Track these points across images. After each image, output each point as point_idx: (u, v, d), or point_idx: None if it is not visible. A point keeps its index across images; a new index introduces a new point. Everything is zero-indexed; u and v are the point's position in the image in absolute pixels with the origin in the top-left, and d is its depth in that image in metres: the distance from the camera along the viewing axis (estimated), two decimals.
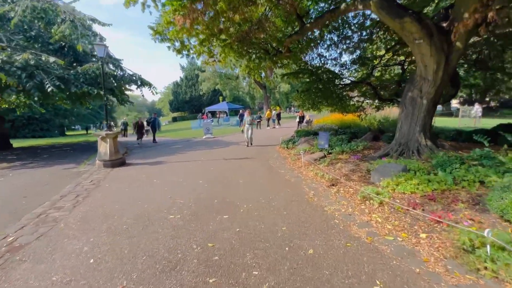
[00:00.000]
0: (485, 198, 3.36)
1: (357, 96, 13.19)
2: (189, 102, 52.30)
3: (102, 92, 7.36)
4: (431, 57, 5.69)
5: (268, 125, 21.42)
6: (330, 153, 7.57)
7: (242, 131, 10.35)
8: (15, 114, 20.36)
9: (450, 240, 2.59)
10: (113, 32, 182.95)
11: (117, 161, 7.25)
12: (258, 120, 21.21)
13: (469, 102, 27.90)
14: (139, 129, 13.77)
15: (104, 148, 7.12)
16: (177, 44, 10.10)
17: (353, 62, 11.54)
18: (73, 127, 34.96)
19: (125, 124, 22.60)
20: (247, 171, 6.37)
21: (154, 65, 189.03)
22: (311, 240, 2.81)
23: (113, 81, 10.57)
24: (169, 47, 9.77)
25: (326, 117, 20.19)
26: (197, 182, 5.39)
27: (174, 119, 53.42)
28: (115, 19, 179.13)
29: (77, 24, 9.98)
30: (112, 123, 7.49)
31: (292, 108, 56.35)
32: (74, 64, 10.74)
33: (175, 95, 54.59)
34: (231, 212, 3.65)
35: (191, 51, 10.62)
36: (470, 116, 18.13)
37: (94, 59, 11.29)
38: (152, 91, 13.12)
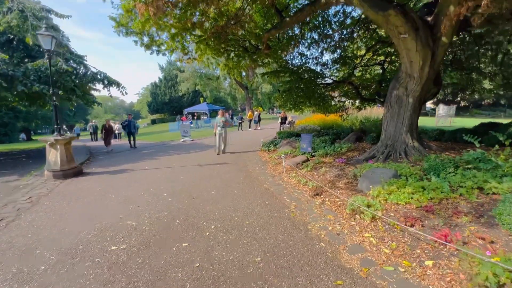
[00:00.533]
0: (491, 209, 2.91)
1: (338, 96, 12.92)
2: (168, 103, 50.40)
3: (51, 91, 6.29)
4: (417, 53, 5.31)
5: (250, 127, 20.77)
6: (313, 156, 7.04)
7: (215, 134, 9.33)
8: None
9: (464, 272, 2.05)
10: (88, 31, 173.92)
11: (71, 171, 6.21)
12: (240, 122, 20.52)
13: (442, 101, 29.08)
14: (107, 134, 11.80)
15: (53, 156, 6.06)
16: (146, 39, 9.18)
17: (335, 61, 11.19)
18: (40, 131, 32.14)
19: (95, 128, 20.99)
20: (222, 179, 5.65)
21: (129, 66, 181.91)
22: (292, 278, 2.16)
23: (73, 80, 9.38)
24: (136, 42, 8.83)
25: (309, 118, 19.92)
26: (161, 196, 4.58)
27: (153, 122, 51.24)
28: (89, 17, 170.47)
29: (28, 14, 8.74)
30: (64, 127, 6.40)
31: (275, 109, 56.21)
32: (26, 60, 9.44)
33: (154, 96, 52.41)
34: (193, 237, 2.92)
35: (163, 48, 9.75)
36: (446, 116, 18.68)
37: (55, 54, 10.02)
38: (121, 91, 12.01)
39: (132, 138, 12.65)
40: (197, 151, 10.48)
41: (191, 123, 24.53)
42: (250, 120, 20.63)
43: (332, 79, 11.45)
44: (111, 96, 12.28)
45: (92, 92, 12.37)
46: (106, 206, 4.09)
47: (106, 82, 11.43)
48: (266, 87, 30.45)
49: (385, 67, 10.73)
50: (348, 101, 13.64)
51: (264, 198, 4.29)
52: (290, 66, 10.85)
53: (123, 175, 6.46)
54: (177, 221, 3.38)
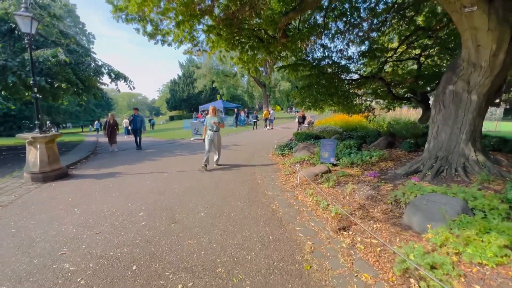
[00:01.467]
0: None
1: (365, 94, 11.36)
2: (186, 100, 50.57)
3: (32, 82, 5.54)
4: (489, 32, 3.82)
5: (265, 126, 19.59)
6: (336, 165, 5.73)
7: (203, 140, 6.91)
8: None
9: None
10: (115, 30, 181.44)
11: (52, 174, 5.44)
12: (255, 120, 19.43)
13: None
14: (111, 130, 10.08)
15: (33, 156, 5.32)
16: (150, 27, 8.29)
17: (362, 55, 9.66)
18: (64, 125, 33.25)
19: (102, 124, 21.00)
20: (221, 193, 4.55)
21: (155, 64, 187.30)
22: None
23: (76, 72, 8.77)
24: (137, 30, 7.96)
25: (329, 118, 18.34)
26: (135, 216, 3.57)
27: (171, 118, 51.71)
28: None
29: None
30: (48, 123, 5.67)
31: (293, 108, 54.46)
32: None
33: (172, 93, 52.88)
34: None
35: (169, 38, 8.84)
36: (491, 119, 16.23)
37: (57, 45, 9.49)
38: (129, 85, 11.36)
39: (138, 137, 10.98)
40: (203, 152, 9.49)
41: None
42: (266, 119, 19.45)
43: (359, 74, 9.95)
44: (118, 90, 11.68)
45: (102, 86, 11.86)
46: (57, 230, 3.13)
47: (112, 76, 10.81)
48: (284, 84, 29.05)
49: (421, 61, 9.18)
50: (375, 100, 12.03)
51: (269, 228, 3.12)
52: (310, 59, 9.54)
53: (110, 180, 5.59)
54: (134, 267, 2.30)
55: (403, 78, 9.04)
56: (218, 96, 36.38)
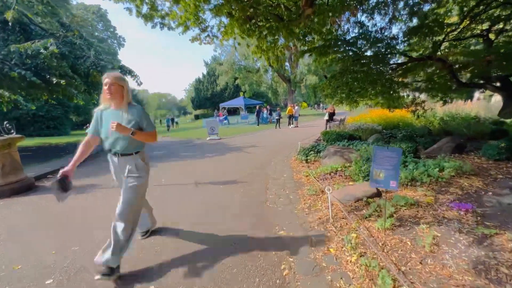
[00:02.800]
0: None
1: (414, 82, 9.02)
2: (210, 98, 50.24)
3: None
4: None
5: (289, 124, 17.72)
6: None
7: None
8: (19, 111, 19.43)
9: None
10: (146, 32, 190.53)
11: (7, 188, 4.33)
12: (277, 118, 17.67)
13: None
14: None
15: None
16: (145, 7, 7.03)
17: (410, 32, 7.41)
18: None
19: None
20: (212, 226, 3.00)
21: (185, 65, 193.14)
22: None
23: (72, 65, 7.86)
24: (129, 10, 6.70)
25: (364, 113, 15.89)
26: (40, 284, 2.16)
27: (196, 117, 51.87)
28: None
29: None
30: (7, 124, 4.64)
31: (321, 105, 51.21)
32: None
33: (197, 91, 53.00)
34: None
35: (172, 24, 7.59)
36: None
37: (55, 37, 8.68)
38: (136, 81, 10.36)
39: None
40: (213, 156, 8.05)
41: (225, 118, 22.63)
42: (290, 117, 17.55)
43: (408, 55, 7.72)
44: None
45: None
46: None
47: (118, 70, 9.84)
48: (311, 78, 26.74)
49: (492, 38, 6.86)
50: (424, 91, 9.63)
51: None
52: (343, 38, 7.56)
53: (79, 197, 4.35)
54: None
55: (476, 58, 6.65)
56: (241, 94, 35.12)
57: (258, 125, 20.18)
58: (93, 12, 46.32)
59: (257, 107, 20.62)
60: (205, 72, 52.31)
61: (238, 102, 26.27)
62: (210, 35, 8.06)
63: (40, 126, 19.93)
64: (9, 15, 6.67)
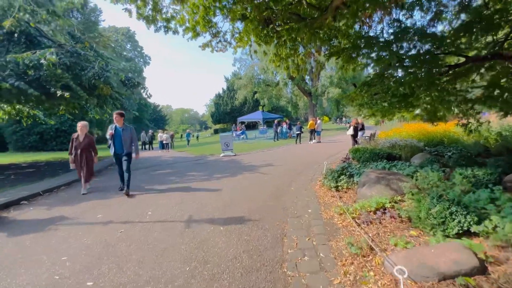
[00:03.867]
0: None
1: (473, 87, 7.37)
2: (230, 113, 50.29)
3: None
4: None
5: (310, 139, 16.25)
6: (475, 234, 2.37)
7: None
8: (43, 126, 20.02)
9: None
10: (178, 53, 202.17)
11: None
12: (298, 133, 16.32)
13: None
14: (82, 153, 5.58)
15: None
16: (148, 9, 6.35)
17: (464, 27, 5.91)
18: None
19: (150, 137, 20.65)
20: None
21: (208, 80, 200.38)
22: None
23: (73, 77, 7.31)
24: (129, 12, 6.00)
25: (397, 128, 14.04)
26: None
27: (216, 131, 52.01)
28: (179, 42, 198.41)
29: None
30: None
31: (343, 119, 48.91)
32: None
33: (217, 106, 53.53)
34: None
35: (180, 29, 6.86)
36: None
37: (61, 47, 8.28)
38: (145, 93, 9.75)
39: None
40: (222, 177, 6.88)
41: (243, 133, 21.68)
42: (312, 131, 16.11)
43: (464, 55, 6.17)
44: (135, 98, 10.16)
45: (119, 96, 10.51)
46: None
47: (127, 82, 9.29)
48: (333, 91, 25.27)
49: None
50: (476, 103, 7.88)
51: None
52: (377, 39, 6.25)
53: (38, 235, 3.35)
54: None
55: None
56: (260, 108, 34.37)
57: (275, 140, 18.91)
58: (122, 34, 49.50)
59: (275, 121, 19.43)
60: (225, 87, 52.92)
61: (256, 116, 25.38)
62: (222, 41, 7.18)
63: (62, 141, 20.34)
64: (7, 24, 6.29)
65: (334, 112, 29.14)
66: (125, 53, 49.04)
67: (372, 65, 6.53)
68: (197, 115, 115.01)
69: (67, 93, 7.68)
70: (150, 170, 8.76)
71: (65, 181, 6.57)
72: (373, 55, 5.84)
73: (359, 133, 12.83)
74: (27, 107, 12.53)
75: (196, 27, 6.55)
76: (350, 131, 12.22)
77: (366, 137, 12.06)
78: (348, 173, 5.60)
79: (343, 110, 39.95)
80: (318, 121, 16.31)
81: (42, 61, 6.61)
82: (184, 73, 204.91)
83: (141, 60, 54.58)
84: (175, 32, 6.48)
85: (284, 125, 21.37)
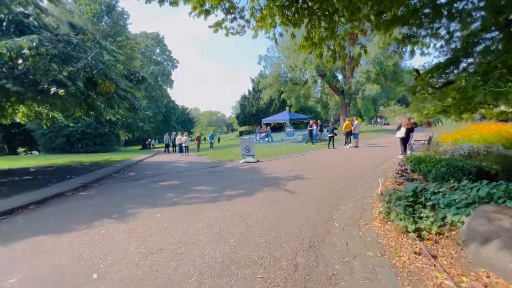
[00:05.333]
0: None
1: None
2: (255, 114, 48.87)
3: None
4: None
5: (346, 143, 13.86)
6: None
7: None
8: (69, 129, 20.25)
9: None
10: (207, 59, 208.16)
11: None
12: (331, 135, 14.06)
13: None
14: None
15: None
16: None
17: None
18: (148, 141, 35.22)
19: (173, 139, 19.79)
20: None
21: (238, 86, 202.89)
22: None
23: (60, 69, 6.14)
24: None
25: (463, 130, 11.12)
26: None
27: (241, 133, 50.95)
28: (209, 49, 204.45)
29: None
30: None
31: (378, 119, 44.51)
32: None
33: (242, 108, 52.54)
34: None
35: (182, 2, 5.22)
36: None
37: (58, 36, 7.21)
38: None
39: None
40: (234, 197, 5.14)
41: (267, 135, 19.86)
42: (348, 134, 13.72)
43: None
44: (143, 97, 8.95)
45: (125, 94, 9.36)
46: None
47: (132, 78, 8.05)
48: (371, 88, 22.30)
49: None
50: None
51: None
52: None
53: None
54: None
55: None
56: (287, 108, 32.26)
57: (307, 143, 16.72)
58: (152, 38, 50.95)
59: (310, 122, 17.16)
60: (250, 88, 51.70)
61: (282, 117, 23.38)
62: (238, 19, 5.53)
63: (88, 143, 20.44)
64: None
65: (370, 112, 25.98)
66: (154, 57, 50.39)
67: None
68: (224, 118, 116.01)
69: (62, 90, 6.55)
70: (152, 181, 7.36)
71: (41, 197, 5.33)
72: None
73: (411, 139, 10.19)
74: (46, 108, 12.11)
75: (206, 4, 5.01)
76: (401, 133, 9.72)
77: (423, 142, 9.46)
78: (429, 202, 3.48)
79: (378, 110, 36.12)
80: (356, 122, 13.84)
81: (25, 51, 5.46)
82: (215, 76, 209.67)
83: (170, 63, 55.74)
84: (173, 2, 4.90)
85: (314, 127, 19.08)
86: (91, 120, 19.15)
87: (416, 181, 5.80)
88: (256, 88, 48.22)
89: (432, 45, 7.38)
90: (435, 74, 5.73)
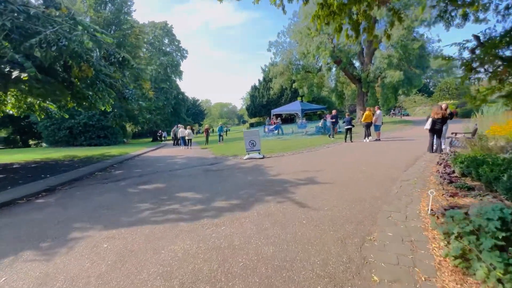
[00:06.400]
0: None
1: None
2: (266, 106, 47.10)
3: None
4: None
5: (365, 136, 12.14)
6: None
7: None
8: (72, 121, 19.59)
9: None
10: (218, 50, 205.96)
11: None
12: (348, 127, 12.41)
13: None
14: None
15: None
16: None
17: None
18: (159, 134, 34.43)
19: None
20: None
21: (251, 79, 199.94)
22: None
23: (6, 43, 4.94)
24: None
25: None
26: None
27: (251, 125, 49.50)
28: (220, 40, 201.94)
29: None
30: None
31: (397, 110, 41.50)
32: None
33: (252, 99, 50.88)
34: None
35: None
36: None
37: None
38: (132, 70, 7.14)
39: None
40: (224, 212, 3.81)
41: (277, 127, 18.34)
42: (368, 126, 11.98)
43: None
44: (129, 84, 7.70)
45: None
46: None
47: (112, 60, 6.79)
48: (393, 74, 20.05)
49: None
50: None
51: None
52: None
53: None
54: None
55: None
56: (299, 98, 30.35)
57: (330, 136, 14.74)
58: (160, 28, 49.73)
59: (333, 112, 15.10)
60: (261, 79, 49.78)
61: (294, 107, 21.66)
62: None
63: (91, 136, 19.76)
64: None
65: (390, 102, 23.60)
66: (163, 48, 49.33)
67: None
68: (235, 109, 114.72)
69: (25, 75, 5.37)
70: (135, 183, 6.16)
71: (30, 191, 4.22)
72: None
73: (443, 128, 8.19)
74: (37, 99, 11.21)
75: None
76: (428, 125, 7.88)
77: (467, 135, 7.67)
78: None
79: (397, 100, 33.40)
80: (378, 112, 12.03)
81: None
82: (226, 68, 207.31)
83: (178, 54, 54.51)
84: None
85: (328, 118, 17.34)
86: (94, 112, 18.32)
87: (474, 190, 4.23)
88: (266, 78, 46.18)
89: (493, 7, 5.58)
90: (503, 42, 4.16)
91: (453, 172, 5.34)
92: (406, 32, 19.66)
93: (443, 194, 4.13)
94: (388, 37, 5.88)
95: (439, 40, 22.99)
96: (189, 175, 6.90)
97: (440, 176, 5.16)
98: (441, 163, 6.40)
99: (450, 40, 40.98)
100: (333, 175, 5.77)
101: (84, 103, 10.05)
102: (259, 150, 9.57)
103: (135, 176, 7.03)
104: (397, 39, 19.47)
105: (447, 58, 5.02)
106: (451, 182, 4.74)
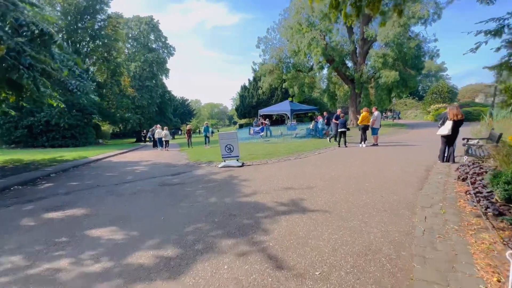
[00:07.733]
0: None
1: None
2: (255, 106, 45.44)
3: None
4: None
5: (361, 141, 10.65)
6: None
7: None
8: (31, 119, 17.28)
9: None
10: (211, 51, 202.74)
11: None
12: (341, 130, 10.92)
13: None
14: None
15: None
16: None
17: None
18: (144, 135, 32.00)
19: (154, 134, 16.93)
20: None
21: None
22: None
23: None
24: None
25: None
26: None
27: (241, 126, 47.72)
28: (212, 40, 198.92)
29: None
30: None
31: (394, 112, 40.37)
32: None
33: (242, 99, 49.15)
34: None
35: None
36: None
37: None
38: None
39: None
40: (140, 284, 2.11)
41: (262, 129, 16.71)
42: (364, 129, 10.50)
43: None
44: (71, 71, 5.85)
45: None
46: None
47: (25, 30, 4.96)
48: (388, 74, 18.83)
49: None
50: None
51: None
52: None
53: None
54: None
55: None
56: (290, 99, 28.82)
57: (331, 140, 12.88)
58: (146, 23, 47.30)
59: (338, 111, 12.96)
60: (251, 78, 48.14)
61: (283, 107, 20.09)
62: None
63: (55, 136, 17.47)
64: None
65: (384, 103, 22.45)
66: (148, 44, 46.91)
67: None
68: (226, 110, 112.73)
69: None
70: (46, 206, 4.35)
71: None
72: None
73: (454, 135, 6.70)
74: None
75: None
76: (445, 129, 6.36)
77: (477, 142, 6.25)
78: None
79: (392, 102, 32.45)
80: (376, 113, 10.58)
81: None
82: (219, 69, 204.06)
83: (165, 51, 52.11)
84: None
85: (320, 119, 15.86)
86: (58, 109, 16.12)
87: None
88: (256, 78, 44.51)
89: None
90: None
91: (491, 194, 3.84)
92: (402, 30, 18.52)
93: (493, 239, 2.57)
94: (399, 13, 4.29)
95: (435, 40, 21.95)
96: (134, 192, 5.13)
97: (477, 201, 3.64)
98: (463, 178, 4.92)
99: (451, 38, 40.52)
100: (328, 196, 4.16)
101: (23, 96, 8.09)
102: (238, 156, 7.89)
103: (59, 194, 5.19)
104: (393, 37, 18.29)
105: (492, 33, 3.53)
106: (500, 214, 3.23)
